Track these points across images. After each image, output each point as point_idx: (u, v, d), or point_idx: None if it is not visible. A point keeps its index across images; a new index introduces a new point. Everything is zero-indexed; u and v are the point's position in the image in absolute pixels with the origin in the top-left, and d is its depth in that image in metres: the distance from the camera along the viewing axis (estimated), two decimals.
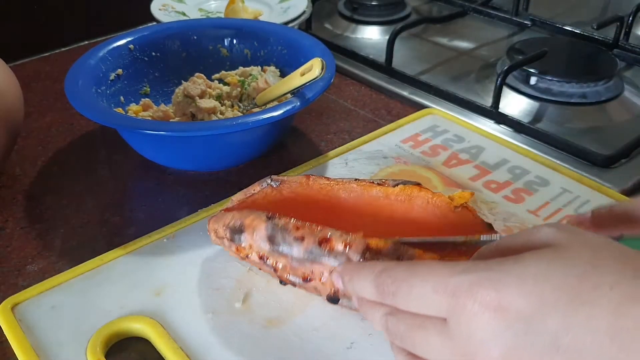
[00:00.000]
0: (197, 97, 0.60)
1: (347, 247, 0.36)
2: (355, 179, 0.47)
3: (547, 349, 0.26)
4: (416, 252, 0.36)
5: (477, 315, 0.27)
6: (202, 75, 0.64)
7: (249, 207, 0.45)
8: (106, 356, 0.40)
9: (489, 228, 0.44)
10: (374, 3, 0.91)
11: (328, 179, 0.47)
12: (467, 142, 0.61)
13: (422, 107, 0.69)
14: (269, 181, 0.46)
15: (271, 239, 0.38)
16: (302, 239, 0.37)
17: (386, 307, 0.32)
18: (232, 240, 0.41)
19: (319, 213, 0.45)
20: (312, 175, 0.47)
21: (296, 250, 0.38)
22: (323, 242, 0.37)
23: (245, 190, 0.47)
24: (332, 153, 0.60)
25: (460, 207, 0.45)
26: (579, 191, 0.54)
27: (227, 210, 0.45)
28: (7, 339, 0.41)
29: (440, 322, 0.29)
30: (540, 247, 0.29)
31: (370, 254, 0.36)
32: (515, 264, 0.28)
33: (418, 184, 0.46)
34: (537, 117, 0.67)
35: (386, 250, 0.36)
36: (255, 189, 0.46)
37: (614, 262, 0.27)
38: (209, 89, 0.62)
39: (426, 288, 0.29)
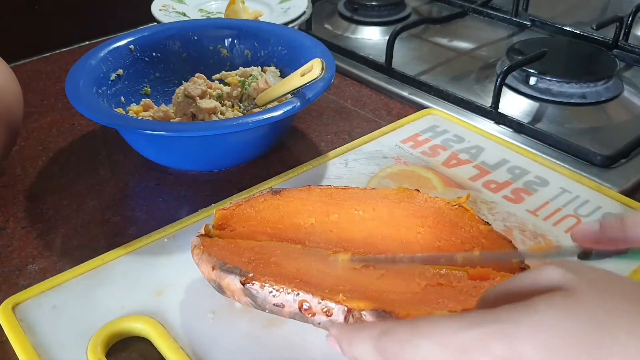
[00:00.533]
0: (197, 98, 0.60)
1: (327, 314, 0.36)
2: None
3: None
4: (400, 311, 0.35)
5: None
6: (203, 75, 0.64)
7: (245, 211, 0.46)
8: (107, 356, 0.40)
9: (486, 224, 0.45)
10: (374, 3, 0.91)
11: (329, 186, 0.48)
12: (467, 142, 0.61)
13: (422, 107, 0.69)
14: (269, 190, 0.48)
15: (253, 302, 0.38)
16: (282, 306, 0.37)
17: None
18: (219, 291, 0.41)
19: (320, 216, 0.46)
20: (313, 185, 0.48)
21: (280, 313, 0.38)
22: (303, 308, 0.36)
23: (245, 198, 0.48)
24: (332, 153, 0.60)
25: (458, 205, 0.46)
26: (578, 191, 0.54)
27: (222, 211, 0.46)
28: (7, 339, 0.41)
29: None
30: (548, 290, 0.27)
31: (353, 317, 0.35)
32: (525, 313, 0.26)
33: (416, 190, 0.47)
34: (537, 117, 0.67)
35: (369, 311, 0.35)
36: (255, 194, 0.48)
37: (627, 304, 0.26)
38: (209, 90, 0.62)
39: (433, 346, 0.27)
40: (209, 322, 0.42)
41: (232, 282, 0.38)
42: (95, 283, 0.45)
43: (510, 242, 0.44)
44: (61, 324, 0.42)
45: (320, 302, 0.36)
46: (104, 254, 0.47)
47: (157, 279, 0.45)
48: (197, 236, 0.43)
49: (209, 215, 0.51)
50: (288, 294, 0.36)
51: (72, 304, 0.43)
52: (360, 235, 0.45)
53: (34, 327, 0.41)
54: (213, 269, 0.39)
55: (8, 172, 0.59)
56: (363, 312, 0.35)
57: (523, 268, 0.43)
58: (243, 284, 0.37)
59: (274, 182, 0.55)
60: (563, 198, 0.53)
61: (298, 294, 0.36)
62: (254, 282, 0.37)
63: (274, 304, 0.37)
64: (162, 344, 0.40)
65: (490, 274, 0.39)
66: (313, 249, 0.43)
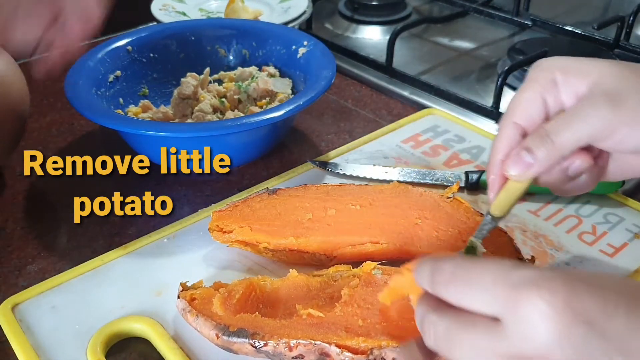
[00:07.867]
0: (196, 99, 0.60)
1: None
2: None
3: (611, 354, 0.25)
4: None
5: (540, 312, 0.25)
6: (195, 74, 0.63)
7: (241, 211, 0.46)
8: (106, 356, 0.40)
9: (482, 216, 0.45)
10: (374, 3, 0.91)
11: (325, 184, 0.48)
12: (468, 142, 0.61)
13: (422, 107, 0.69)
14: (265, 190, 0.48)
15: (271, 358, 0.37)
16: (302, 357, 0.36)
17: (429, 301, 0.30)
18: (231, 353, 0.39)
19: (317, 211, 0.46)
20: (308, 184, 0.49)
21: None
22: (323, 354, 0.35)
23: (242, 199, 0.48)
24: (332, 153, 0.60)
25: (452, 198, 0.46)
26: None
27: (219, 212, 0.46)
28: (7, 339, 0.41)
29: (490, 321, 0.27)
30: None
31: (372, 355, 0.35)
32: (581, 271, 0.28)
33: (411, 185, 0.48)
34: None
35: (389, 349, 0.35)
36: (251, 195, 0.48)
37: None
38: (207, 90, 0.62)
39: (485, 279, 0.27)
40: None
41: (243, 346, 0.36)
42: (94, 283, 0.45)
43: (506, 233, 0.44)
44: (61, 324, 0.41)
45: (339, 354, 0.35)
46: (104, 255, 0.47)
47: (157, 279, 0.45)
48: (180, 298, 0.40)
49: (208, 216, 0.51)
50: (305, 346, 0.35)
51: (71, 304, 0.43)
52: (358, 227, 0.45)
53: (34, 327, 0.41)
54: (217, 337, 0.37)
55: (7, 172, 0.59)
56: (383, 351, 0.35)
57: (519, 257, 0.43)
58: (255, 347, 0.36)
59: (274, 183, 0.55)
60: (564, 199, 0.53)
61: (315, 343, 0.35)
62: (266, 342, 0.35)
63: (293, 357, 0.36)
64: (161, 345, 0.40)
65: None
66: (317, 272, 0.42)
